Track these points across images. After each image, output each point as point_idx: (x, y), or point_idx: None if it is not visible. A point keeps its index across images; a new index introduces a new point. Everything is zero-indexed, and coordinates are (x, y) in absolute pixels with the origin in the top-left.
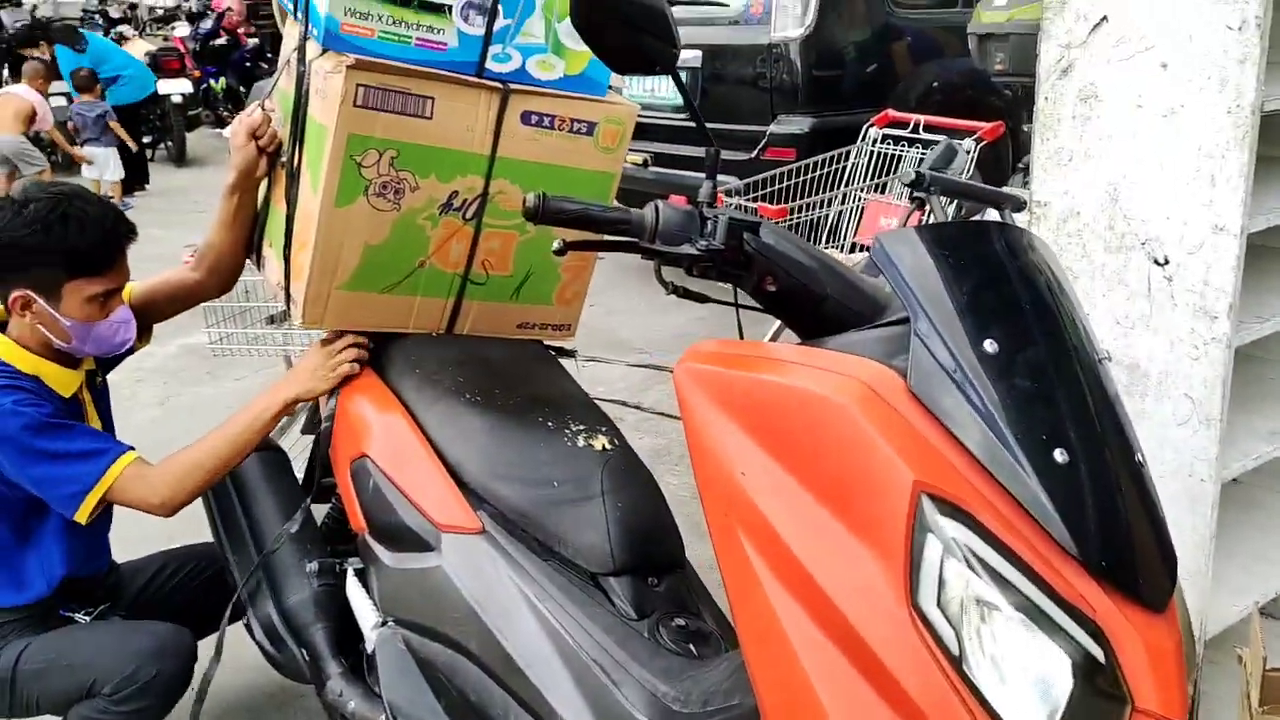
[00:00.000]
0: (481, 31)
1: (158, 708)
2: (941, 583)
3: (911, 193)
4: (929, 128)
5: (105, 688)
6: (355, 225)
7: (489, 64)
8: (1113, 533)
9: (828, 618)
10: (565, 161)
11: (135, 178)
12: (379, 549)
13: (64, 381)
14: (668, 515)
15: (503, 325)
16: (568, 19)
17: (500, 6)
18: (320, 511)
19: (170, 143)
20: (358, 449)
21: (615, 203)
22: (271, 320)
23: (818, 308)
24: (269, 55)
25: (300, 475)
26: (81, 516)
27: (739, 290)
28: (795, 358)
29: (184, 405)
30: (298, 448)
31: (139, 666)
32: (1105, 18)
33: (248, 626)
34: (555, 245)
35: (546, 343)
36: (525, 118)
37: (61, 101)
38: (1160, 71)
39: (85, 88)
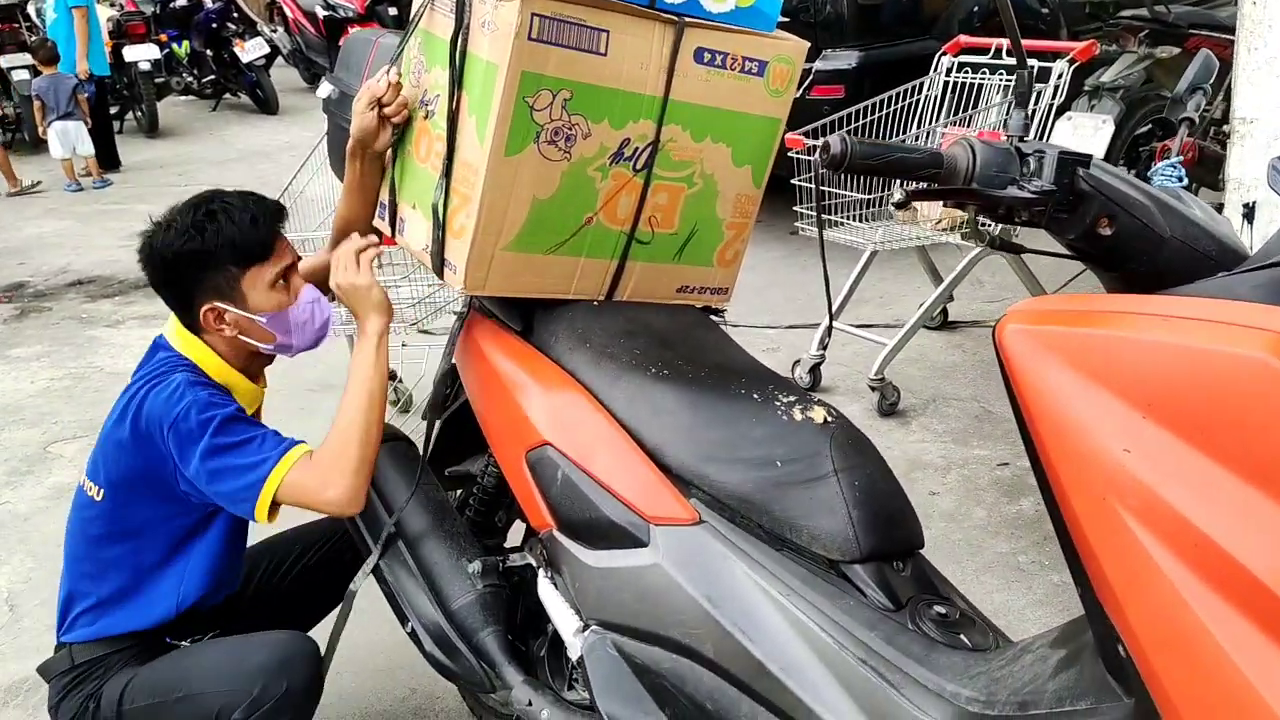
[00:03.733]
0: None
1: None
2: None
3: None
4: (1010, 52)
5: (235, 713)
6: (524, 177)
7: None
8: None
9: (1272, 614)
10: (736, 106)
11: (106, 155)
12: (574, 547)
13: (249, 396)
14: (903, 492)
15: (663, 289)
16: None
17: None
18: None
19: (140, 113)
20: (535, 437)
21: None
22: None
23: (1156, 253)
24: (235, 15)
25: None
26: (260, 514)
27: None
28: (1170, 310)
29: None
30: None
31: (265, 685)
32: None
33: (413, 637)
34: (897, 197)
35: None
36: (699, 55)
37: (25, 75)
38: None
39: (49, 61)
